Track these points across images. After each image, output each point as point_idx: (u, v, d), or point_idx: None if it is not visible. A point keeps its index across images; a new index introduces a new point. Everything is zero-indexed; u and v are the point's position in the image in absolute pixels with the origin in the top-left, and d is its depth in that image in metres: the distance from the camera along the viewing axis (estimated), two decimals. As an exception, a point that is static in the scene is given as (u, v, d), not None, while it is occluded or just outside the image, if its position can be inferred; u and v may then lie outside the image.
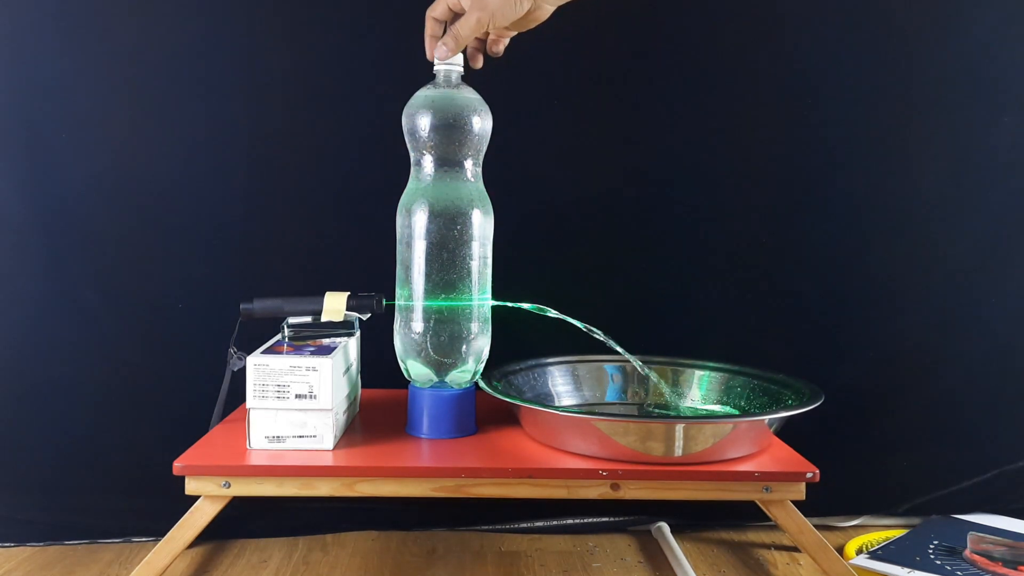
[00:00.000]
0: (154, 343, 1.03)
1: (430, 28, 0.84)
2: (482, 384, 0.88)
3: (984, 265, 1.09)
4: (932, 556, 0.95)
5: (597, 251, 1.09)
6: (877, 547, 0.99)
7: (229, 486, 0.77)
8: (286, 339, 0.88)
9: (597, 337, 0.89)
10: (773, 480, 0.78)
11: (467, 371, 0.86)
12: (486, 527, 1.07)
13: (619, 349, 0.90)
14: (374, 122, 1.02)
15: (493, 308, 0.88)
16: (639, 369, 0.96)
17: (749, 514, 1.04)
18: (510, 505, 1.05)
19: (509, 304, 0.88)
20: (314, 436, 0.80)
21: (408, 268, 0.85)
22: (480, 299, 0.86)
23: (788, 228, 1.09)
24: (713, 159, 1.09)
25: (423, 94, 0.85)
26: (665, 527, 1.05)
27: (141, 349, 1.03)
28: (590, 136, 1.08)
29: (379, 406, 0.98)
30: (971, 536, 1.02)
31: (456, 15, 0.82)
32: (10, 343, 1.02)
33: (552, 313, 0.88)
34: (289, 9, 1.04)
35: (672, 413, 0.96)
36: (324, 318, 0.87)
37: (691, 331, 1.09)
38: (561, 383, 0.99)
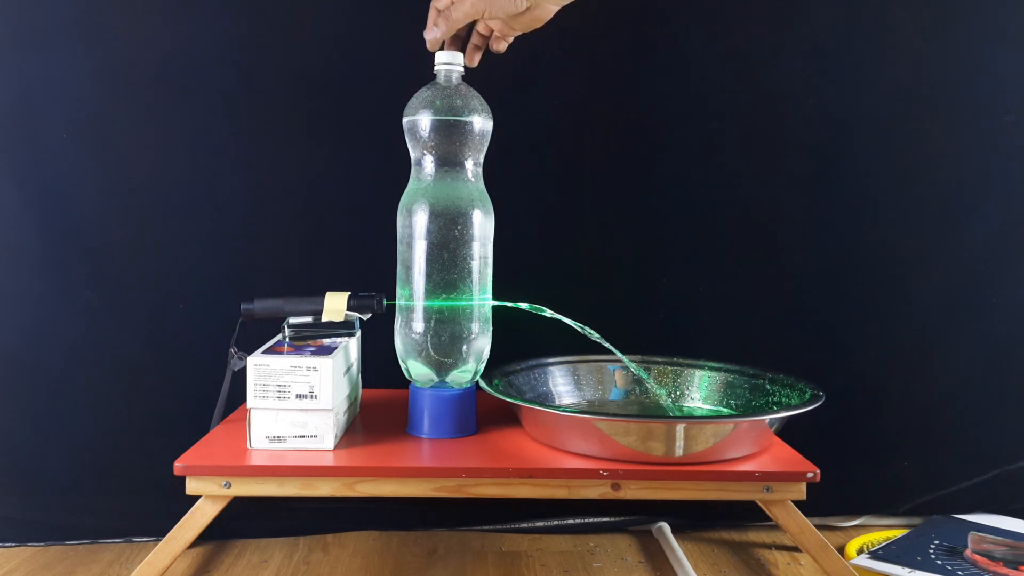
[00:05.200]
0: (154, 343, 1.03)
1: (432, 18, 0.84)
2: (483, 384, 0.88)
3: (984, 265, 1.09)
4: (933, 556, 0.95)
5: (597, 251, 1.09)
6: (878, 547, 0.99)
7: (230, 486, 0.77)
8: (287, 339, 0.88)
9: (592, 338, 0.89)
10: (774, 480, 0.78)
11: (468, 371, 0.86)
12: (487, 527, 1.07)
13: (613, 350, 0.90)
14: (374, 122, 1.02)
15: (494, 308, 0.88)
16: (632, 370, 0.96)
17: (750, 514, 1.04)
18: (511, 505, 1.05)
19: (508, 304, 0.88)
20: (315, 436, 0.80)
21: (409, 268, 0.85)
22: (480, 299, 0.86)
23: (788, 228, 1.09)
24: (714, 159, 1.09)
25: (423, 94, 0.84)
26: (666, 527, 1.05)
27: (141, 349, 1.03)
28: (590, 136, 1.08)
29: (379, 406, 0.98)
30: (972, 536, 1.02)
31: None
32: (10, 343, 1.02)
33: (548, 313, 0.88)
34: (289, 8, 1.04)
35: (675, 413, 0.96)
36: (325, 318, 0.87)
37: (691, 331, 1.09)
38: (562, 383, 0.99)
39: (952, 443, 1.10)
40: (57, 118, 1.01)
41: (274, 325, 0.89)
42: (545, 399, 0.97)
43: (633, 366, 0.96)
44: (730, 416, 0.91)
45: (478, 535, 1.05)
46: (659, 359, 1.00)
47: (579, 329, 0.88)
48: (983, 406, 1.10)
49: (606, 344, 0.89)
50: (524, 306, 0.88)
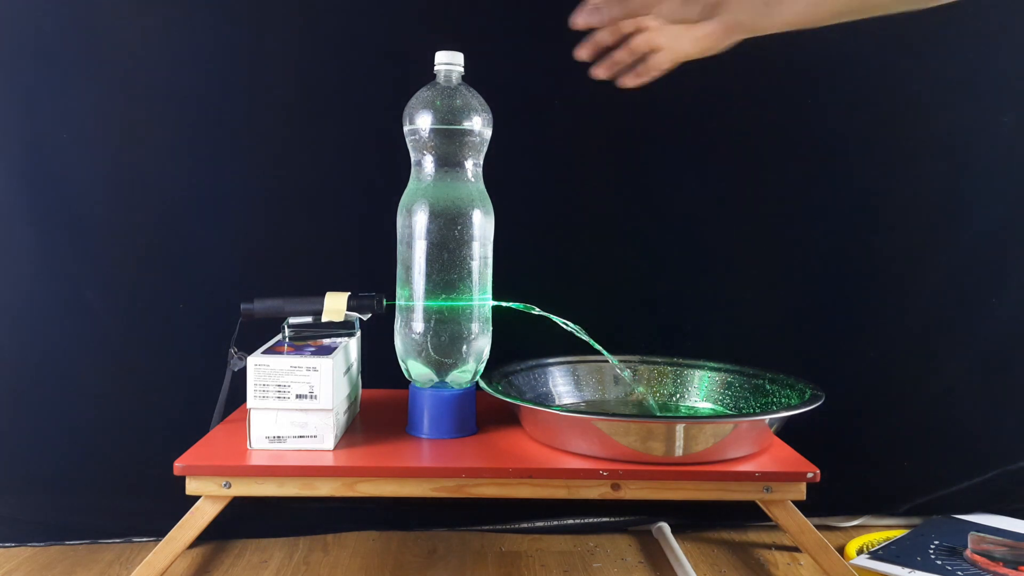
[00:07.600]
0: (154, 343, 1.03)
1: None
2: (482, 384, 0.88)
3: (984, 265, 1.09)
4: (933, 556, 0.95)
5: (598, 251, 1.09)
6: (878, 547, 0.99)
7: (230, 486, 0.77)
8: (287, 339, 0.88)
9: (579, 336, 0.89)
10: (774, 480, 0.78)
11: (467, 371, 0.86)
12: (487, 527, 1.07)
13: (598, 347, 0.90)
14: (374, 122, 1.02)
15: (494, 308, 0.88)
16: (617, 369, 0.97)
17: (750, 514, 1.04)
18: (511, 505, 1.05)
19: (502, 304, 0.88)
20: (315, 436, 0.80)
21: (408, 268, 0.85)
22: (480, 299, 0.86)
23: (788, 228, 1.09)
24: (713, 159, 1.09)
25: (423, 94, 0.85)
26: (666, 527, 1.05)
27: (141, 349, 1.03)
28: (590, 136, 1.08)
29: (379, 406, 0.98)
30: (972, 536, 1.02)
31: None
32: (10, 343, 1.02)
33: (537, 311, 0.88)
34: (290, 10, 1.04)
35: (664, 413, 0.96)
36: (325, 318, 0.88)
37: (691, 331, 1.09)
38: (562, 383, 0.99)
39: (952, 443, 1.10)
40: (57, 117, 1.01)
41: (274, 325, 0.89)
42: (545, 399, 0.97)
43: (618, 364, 0.96)
44: (730, 416, 0.91)
45: (478, 535, 1.05)
46: (659, 359, 1.00)
47: (568, 327, 0.89)
48: (983, 406, 1.10)
49: (586, 338, 0.89)
50: (515, 305, 0.89)
